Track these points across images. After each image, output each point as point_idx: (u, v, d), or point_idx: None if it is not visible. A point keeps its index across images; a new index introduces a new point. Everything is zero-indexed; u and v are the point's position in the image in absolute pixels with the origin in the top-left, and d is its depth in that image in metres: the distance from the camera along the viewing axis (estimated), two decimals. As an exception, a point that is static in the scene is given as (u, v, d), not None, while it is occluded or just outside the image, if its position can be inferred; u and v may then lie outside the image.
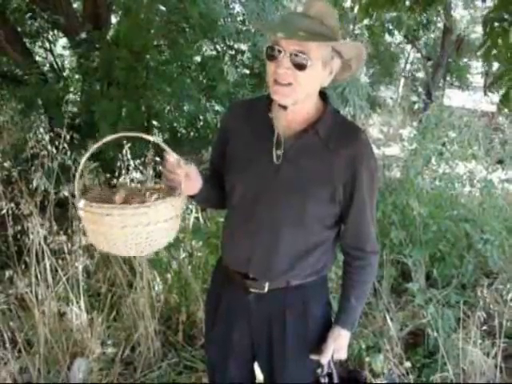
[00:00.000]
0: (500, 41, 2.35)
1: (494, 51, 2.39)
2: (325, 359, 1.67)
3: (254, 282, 1.67)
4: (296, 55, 1.42)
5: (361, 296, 1.73)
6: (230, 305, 1.73)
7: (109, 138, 1.50)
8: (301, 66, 1.43)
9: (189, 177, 1.51)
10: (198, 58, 4.87)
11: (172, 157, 1.48)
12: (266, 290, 1.66)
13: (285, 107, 1.51)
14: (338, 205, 1.59)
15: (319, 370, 1.74)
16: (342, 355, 1.73)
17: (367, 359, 2.85)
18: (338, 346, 1.69)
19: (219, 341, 1.79)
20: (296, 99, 1.49)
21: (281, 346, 1.70)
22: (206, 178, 1.61)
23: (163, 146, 1.49)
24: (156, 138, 1.52)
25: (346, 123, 1.65)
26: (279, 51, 1.44)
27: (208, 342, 1.93)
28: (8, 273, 2.95)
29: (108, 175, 3.63)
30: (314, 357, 1.69)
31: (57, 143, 3.05)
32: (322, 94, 1.61)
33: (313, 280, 1.68)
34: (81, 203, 1.50)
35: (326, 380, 1.73)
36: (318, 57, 1.45)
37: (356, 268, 1.70)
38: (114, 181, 3.48)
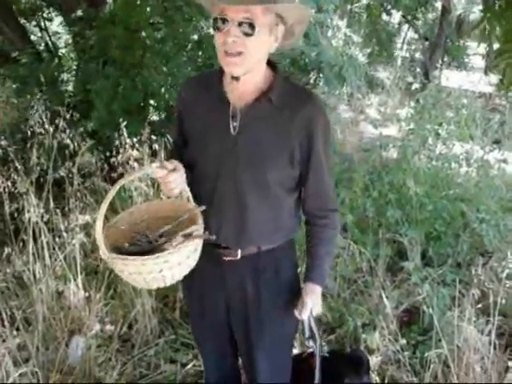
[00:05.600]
0: (496, 21, 2.33)
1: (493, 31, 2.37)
2: (305, 315, 1.70)
3: (226, 250, 1.71)
4: (243, 23, 1.44)
5: (328, 253, 1.79)
6: (204, 275, 1.76)
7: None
8: (249, 33, 1.45)
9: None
10: (194, 37, 4.82)
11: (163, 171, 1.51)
12: (239, 256, 1.71)
13: (237, 78, 1.54)
14: (296, 167, 1.64)
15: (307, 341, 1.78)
16: (319, 310, 1.77)
17: (363, 336, 2.89)
18: (314, 301, 1.72)
19: (197, 313, 1.86)
20: (247, 68, 1.52)
21: (255, 308, 1.76)
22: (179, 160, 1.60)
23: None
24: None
25: (297, 88, 1.70)
26: (226, 21, 1.45)
27: (190, 316, 2.00)
28: (6, 250, 2.95)
29: (108, 154, 3.62)
30: (296, 314, 1.71)
31: (57, 122, 3.04)
32: (271, 64, 1.64)
33: (282, 243, 1.75)
34: (105, 256, 1.54)
35: (311, 343, 1.78)
36: (265, 23, 1.47)
37: (320, 227, 1.75)
38: (113, 159, 3.46)
